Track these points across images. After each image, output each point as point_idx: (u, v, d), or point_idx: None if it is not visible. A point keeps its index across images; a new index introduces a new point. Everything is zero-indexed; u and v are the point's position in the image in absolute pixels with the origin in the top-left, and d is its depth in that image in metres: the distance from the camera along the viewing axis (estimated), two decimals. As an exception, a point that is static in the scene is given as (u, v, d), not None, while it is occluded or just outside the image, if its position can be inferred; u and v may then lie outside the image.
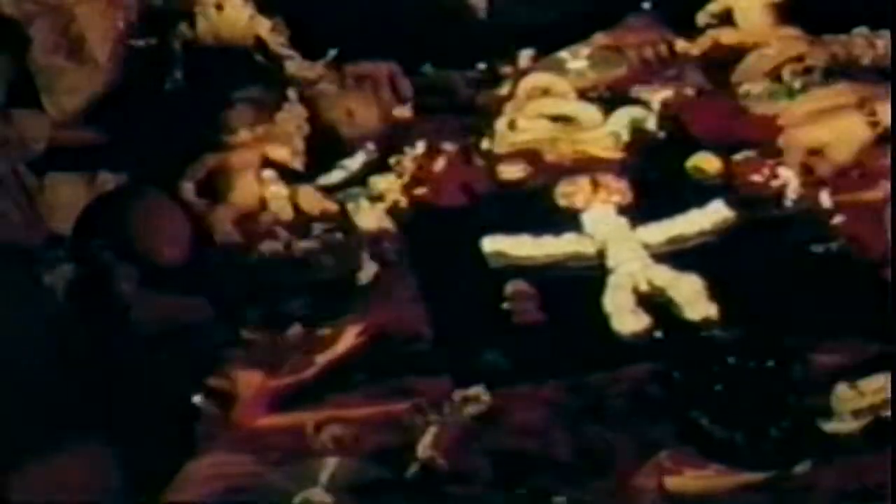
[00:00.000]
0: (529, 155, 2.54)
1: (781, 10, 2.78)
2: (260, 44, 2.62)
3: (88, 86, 2.57)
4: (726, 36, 2.81)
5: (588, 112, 2.61)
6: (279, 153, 2.54)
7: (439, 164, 2.57)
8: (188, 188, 2.48)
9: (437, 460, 1.84)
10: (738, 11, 2.83)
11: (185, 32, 2.63)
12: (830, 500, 1.68)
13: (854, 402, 1.81)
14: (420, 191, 2.50)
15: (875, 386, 1.82)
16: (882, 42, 2.64)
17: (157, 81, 2.60)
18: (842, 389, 1.82)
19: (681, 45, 2.83)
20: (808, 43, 2.67)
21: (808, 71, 2.62)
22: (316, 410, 1.96)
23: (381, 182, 2.52)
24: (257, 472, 1.82)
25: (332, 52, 2.76)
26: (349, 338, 2.09)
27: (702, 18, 2.85)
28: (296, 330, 2.13)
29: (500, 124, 2.62)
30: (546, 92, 2.68)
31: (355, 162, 2.60)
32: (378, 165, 2.59)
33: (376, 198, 2.47)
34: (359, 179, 2.56)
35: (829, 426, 1.80)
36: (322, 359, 2.07)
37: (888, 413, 1.79)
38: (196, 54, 2.62)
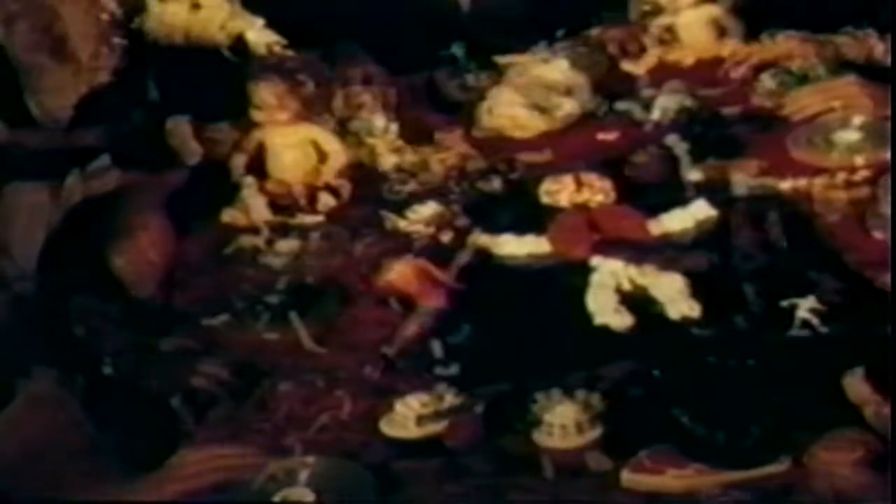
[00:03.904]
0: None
1: (723, 25, 2.80)
2: (239, 43, 2.61)
3: (72, 85, 2.57)
4: (671, 53, 2.82)
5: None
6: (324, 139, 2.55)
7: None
8: (239, 161, 2.48)
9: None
10: (680, 28, 2.83)
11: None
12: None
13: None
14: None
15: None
16: (871, 40, 2.65)
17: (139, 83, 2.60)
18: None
19: (626, 65, 2.84)
20: (800, 40, 2.68)
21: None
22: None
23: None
24: (254, 464, 1.82)
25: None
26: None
27: (647, 39, 2.86)
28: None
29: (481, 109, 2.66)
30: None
31: None
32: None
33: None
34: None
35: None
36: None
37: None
38: (169, 55, 2.62)
